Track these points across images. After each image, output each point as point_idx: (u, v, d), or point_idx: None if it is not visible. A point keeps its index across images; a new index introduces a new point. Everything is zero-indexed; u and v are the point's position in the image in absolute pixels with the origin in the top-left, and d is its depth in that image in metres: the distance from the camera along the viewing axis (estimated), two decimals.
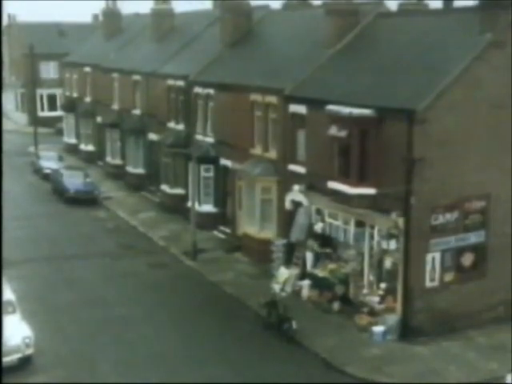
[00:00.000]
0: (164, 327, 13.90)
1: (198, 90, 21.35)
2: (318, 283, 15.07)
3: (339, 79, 15.92)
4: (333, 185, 14.29)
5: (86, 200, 24.00)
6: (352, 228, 14.46)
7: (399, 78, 14.21)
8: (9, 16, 45.66)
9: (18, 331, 11.87)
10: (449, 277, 13.39)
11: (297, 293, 15.10)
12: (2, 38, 42.23)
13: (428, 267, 13.13)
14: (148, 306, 15.08)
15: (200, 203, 20.31)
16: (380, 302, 13.68)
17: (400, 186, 12.86)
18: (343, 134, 13.80)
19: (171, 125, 23.23)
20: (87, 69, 31.96)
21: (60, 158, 29.58)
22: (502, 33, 13.26)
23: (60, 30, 43.60)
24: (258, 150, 18.22)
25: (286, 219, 16.67)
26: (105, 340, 13.21)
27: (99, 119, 30.25)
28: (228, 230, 19.96)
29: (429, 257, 13.14)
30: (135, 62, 27.02)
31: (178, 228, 20.88)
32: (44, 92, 42.16)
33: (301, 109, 16.18)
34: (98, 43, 33.67)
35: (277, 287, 14.09)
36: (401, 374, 11.85)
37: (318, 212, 15.61)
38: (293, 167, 16.60)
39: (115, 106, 28.69)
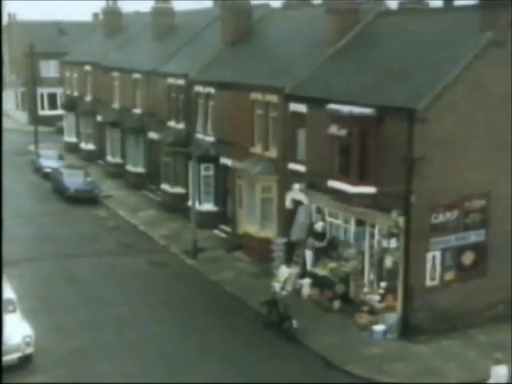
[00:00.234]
0: (164, 326, 13.88)
1: (198, 88, 21.33)
2: (319, 282, 15.07)
3: (339, 78, 15.90)
4: (333, 184, 14.29)
5: (86, 199, 23.98)
6: (352, 227, 14.46)
7: (399, 76, 14.19)
8: (9, 15, 45.63)
9: (19, 330, 11.84)
10: (449, 275, 13.39)
11: (297, 291, 15.10)
12: (2, 36, 42.12)
13: (428, 266, 13.13)
14: (148, 305, 15.07)
15: (200, 202, 20.30)
16: (380, 301, 13.67)
17: (400, 184, 12.85)
18: (343, 132, 13.79)
19: (171, 124, 23.21)
20: (87, 67, 31.93)
21: (60, 157, 29.59)
22: (502, 32, 13.24)
23: (60, 29, 43.57)
24: (258, 149, 18.21)
25: (287, 218, 16.67)
26: (105, 339, 13.20)
27: (99, 118, 30.23)
28: (228, 229, 19.96)
29: (429, 255, 13.13)
30: (135, 61, 26.98)
31: (178, 227, 20.87)
32: (44, 91, 42.13)
33: (301, 108, 16.17)
34: (99, 42, 33.64)
35: (277, 286, 14.07)
36: (401, 373, 11.84)
37: (319, 211, 15.61)
38: (293, 166, 16.59)
39: (115, 105, 28.67)
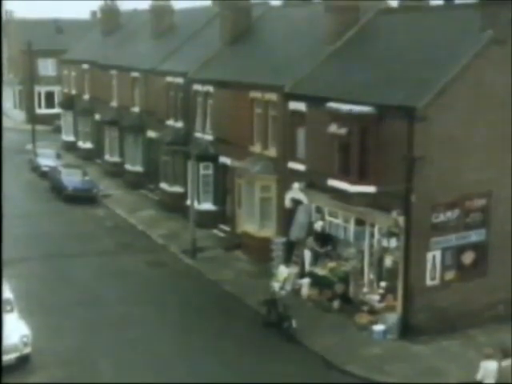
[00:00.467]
0: (163, 326, 13.82)
1: (197, 87, 21.23)
2: (318, 282, 15.01)
3: (339, 76, 15.83)
4: (333, 183, 14.22)
5: (84, 198, 23.88)
6: (352, 226, 14.39)
7: (400, 75, 14.12)
8: (6, 12, 45.44)
9: (16, 330, 11.78)
10: (449, 275, 13.33)
11: (296, 291, 15.03)
12: (1, 35, 41.94)
13: (428, 266, 13.07)
14: (147, 304, 14.99)
15: (199, 201, 20.22)
16: (380, 301, 13.61)
17: (400, 183, 12.79)
18: (343, 131, 13.72)
19: (170, 122, 23.11)
20: (85, 66, 31.80)
21: (58, 156, 29.49)
22: (502, 30, 13.17)
23: (58, 27, 43.41)
24: (257, 148, 18.13)
25: (286, 217, 16.60)
26: (103, 339, 13.13)
27: (97, 116, 30.12)
28: (227, 229, 19.88)
29: (429, 255, 13.07)
30: (134, 59, 26.88)
31: (177, 226, 20.79)
32: (42, 89, 41.97)
33: (301, 106, 16.09)
34: (97, 40, 33.51)
35: (276, 286, 14.01)
36: (401, 373, 11.79)
37: (318, 210, 15.54)
38: (292, 165, 16.52)
39: (114, 104, 28.56)
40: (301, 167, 16.20)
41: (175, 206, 22.00)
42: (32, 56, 34.34)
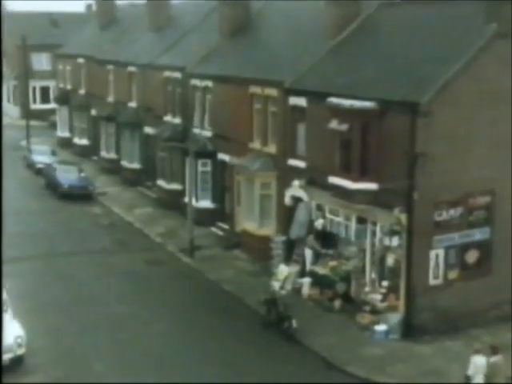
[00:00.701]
0: (161, 325, 13.66)
1: (195, 82, 20.96)
2: (319, 281, 14.86)
3: (340, 71, 15.61)
4: (334, 180, 14.03)
5: (80, 195, 23.65)
6: (353, 224, 14.21)
7: (402, 69, 13.92)
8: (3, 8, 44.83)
9: (10, 330, 11.58)
10: (453, 274, 13.19)
11: (297, 291, 14.88)
12: (2, 31, 41.32)
13: (431, 264, 12.94)
14: (144, 304, 14.82)
15: (197, 199, 20.02)
16: (382, 300, 13.47)
17: (402, 181, 12.63)
18: (344, 127, 13.53)
19: (168, 118, 22.86)
20: (81, 60, 31.46)
21: (53, 153, 29.16)
22: (506, 23, 12.95)
23: (52, 20, 42.92)
24: (256, 144, 17.91)
25: (286, 215, 16.41)
26: (100, 339, 12.98)
27: (94, 112, 29.81)
28: (226, 227, 19.68)
29: (432, 254, 12.93)
30: (131, 54, 26.60)
31: (174, 224, 20.59)
32: (37, 84, 41.56)
33: (301, 101, 15.87)
34: (92, 34, 33.14)
35: (276, 285, 13.88)
36: (403, 374, 11.68)
37: (319, 208, 15.34)
38: (293, 162, 16.30)
39: (110, 99, 28.27)
40: (301, 164, 15.99)
41: (173, 203, 21.76)
42: (26, 50, 33.93)
